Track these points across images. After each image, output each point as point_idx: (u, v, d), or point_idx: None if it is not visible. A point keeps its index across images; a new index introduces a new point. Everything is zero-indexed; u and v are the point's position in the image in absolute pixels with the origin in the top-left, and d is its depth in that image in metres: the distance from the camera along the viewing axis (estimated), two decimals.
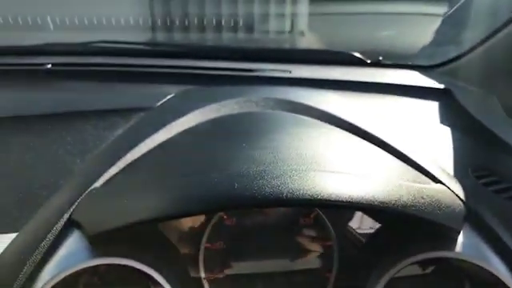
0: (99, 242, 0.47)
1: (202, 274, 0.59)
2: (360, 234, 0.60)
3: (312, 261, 0.60)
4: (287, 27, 1.16)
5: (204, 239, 0.58)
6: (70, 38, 0.93)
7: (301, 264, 0.59)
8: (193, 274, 0.59)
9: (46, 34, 1.00)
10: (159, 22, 1.10)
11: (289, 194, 0.45)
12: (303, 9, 1.18)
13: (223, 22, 1.10)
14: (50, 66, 0.83)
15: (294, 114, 0.63)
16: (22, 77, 0.82)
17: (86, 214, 0.50)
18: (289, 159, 0.51)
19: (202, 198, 0.47)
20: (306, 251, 0.59)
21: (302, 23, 1.16)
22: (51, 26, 1.01)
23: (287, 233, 0.59)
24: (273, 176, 0.47)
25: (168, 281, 0.48)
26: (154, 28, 1.10)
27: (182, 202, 0.47)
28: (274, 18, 1.17)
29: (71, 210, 0.51)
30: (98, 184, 0.53)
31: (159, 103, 0.68)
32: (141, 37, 1.09)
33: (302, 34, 1.14)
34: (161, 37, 1.12)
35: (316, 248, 0.59)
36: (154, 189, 0.50)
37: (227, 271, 0.59)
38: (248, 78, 0.83)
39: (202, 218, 0.58)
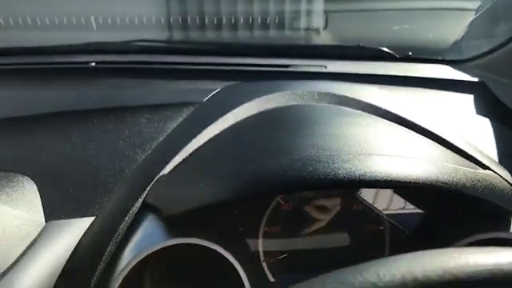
0: (174, 224, 0.51)
1: (262, 257, 0.61)
2: (409, 218, 0.62)
3: (364, 246, 0.62)
4: (319, 24, 1.19)
5: (263, 223, 0.61)
6: (107, 37, 0.98)
7: (354, 249, 0.62)
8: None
9: (85, 33, 1.05)
10: (195, 20, 1.14)
11: (362, 176, 0.48)
12: (335, 6, 1.22)
13: (258, 20, 1.13)
14: (94, 64, 0.87)
15: (339, 106, 0.65)
16: (70, 74, 0.87)
17: (159, 198, 0.54)
18: (351, 145, 0.53)
19: (275, 180, 0.49)
20: (359, 236, 0.62)
21: (334, 20, 1.19)
22: (94, 26, 1.06)
23: (341, 218, 0.62)
24: (343, 160, 0.49)
25: (241, 264, 0.52)
26: (189, 27, 1.14)
27: (253, 184, 0.50)
28: (306, 15, 1.20)
29: (144, 195, 0.55)
30: (165, 172, 0.57)
31: (207, 98, 0.71)
32: (176, 36, 1.14)
33: (332, 30, 1.17)
34: (196, 35, 1.16)
35: (368, 233, 0.62)
36: (221, 174, 0.53)
37: (284, 254, 0.62)
38: (285, 73, 0.86)
39: (261, 203, 0.61)
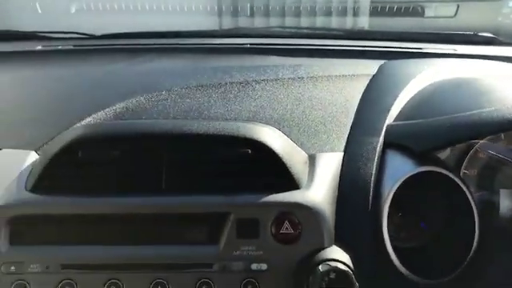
0: (420, 158, 0.63)
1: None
2: None
3: None
4: (451, 13, 1.35)
5: (463, 166, 0.72)
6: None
7: None
8: None
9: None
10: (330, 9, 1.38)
11: None
12: None
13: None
14: (248, 45, 1.01)
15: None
16: (226, 53, 1.01)
17: (403, 138, 0.65)
18: None
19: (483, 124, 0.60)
20: None
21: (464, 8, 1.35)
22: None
23: None
24: None
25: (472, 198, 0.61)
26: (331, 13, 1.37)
27: (470, 128, 0.61)
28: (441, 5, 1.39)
29: (382, 136, 0.66)
30: (390, 120, 0.69)
31: (376, 71, 0.83)
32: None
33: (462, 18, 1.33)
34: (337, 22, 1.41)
35: None
36: (444, 120, 0.63)
37: None
38: (419, 54, 0.96)
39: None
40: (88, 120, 0.71)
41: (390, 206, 0.60)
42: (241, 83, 0.83)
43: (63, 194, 0.58)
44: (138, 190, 0.58)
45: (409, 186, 0.63)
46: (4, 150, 0.67)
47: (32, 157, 0.64)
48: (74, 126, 0.66)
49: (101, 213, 0.57)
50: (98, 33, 1.09)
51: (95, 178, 0.58)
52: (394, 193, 0.61)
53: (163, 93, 0.79)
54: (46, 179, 0.58)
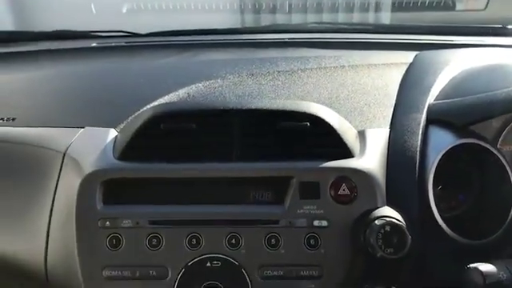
0: (461, 131, 0.71)
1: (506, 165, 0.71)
2: None
3: None
4: (481, 6, 1.41)
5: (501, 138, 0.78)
6: None
7: None
8: None
9: None
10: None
11: None
12: None
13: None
14: (287, 39, 1.10)
15: None
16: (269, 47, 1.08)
17: (448, 114, 0.72)
18: None
19: None
20: None
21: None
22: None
23: None
24: None
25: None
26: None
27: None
28: None
29: (425, 113, 0.73)
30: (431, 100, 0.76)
31: (412, 60, 0.90)
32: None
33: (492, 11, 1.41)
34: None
35: None
36: (483, 97, 0.70)
37: None
38: (450, 45, 1.02)
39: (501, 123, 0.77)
40: (157, 102, 0.80)
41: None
42: (287, 72, 0.91)
43: (148, 161, 0.66)
44: (213, 157, 0.67)
45: (449, 159, 0.70)
46: (87, 128, 0.76)
47: (112, 133, 0.73)
48: (152, 105, 0.75)
49: (181, 177, 0.66)
50: (143, 31, 1.19)
51: (176, 147, 0.67)
52: (436, 166, 0.68)
53: (219, 81, 0.87)
54: (132, 148, 0.67)
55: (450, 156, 0.71)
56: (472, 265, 0.55)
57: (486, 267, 0.53)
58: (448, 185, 0.75)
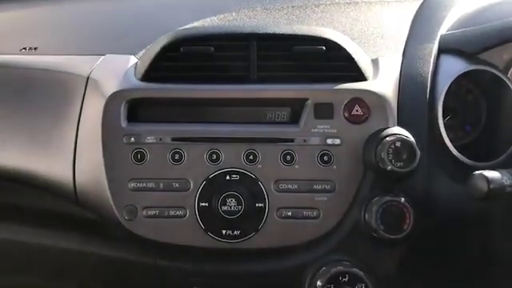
0: (473, 58, 0.73)
1: None
2: None
3: None
4: None
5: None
6: None
7: None
8: None
9: None
10: None
11: None
12: None
13: None
14: None
15: None
16: None
17: (460, 42, 0.74)
18: None
19: None
20: None
21: None
22: None
23: None
24: None
25: None
26: None
27: None
28: None
29: (436, 43, 0.75)
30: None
31: None
32: None
33: None
34: None
35: None
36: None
37: None
38: None
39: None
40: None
41: None
42: (301, 7, 0.92)
43: (169, 82, 0.69)
44: (232, 79, 0.69)
45: (458, 89, 0.73)
46: (108, 55, 0.78)
47: (133, 59, 0.76)
48: (171, 32, 0.77)
49: (201, 97, 0.69)
50: None
51: (195, 69, 0.70)
52: (447, 90, 0.70)
53: (233, 14, 0.89)
54: (153, 70, 0.70)
55: (459, 86, 0.73)
56: (476, 172, 0.58)
57: (490, 173, 0.56)
58: (456, 115, 0.78)
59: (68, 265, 0.75)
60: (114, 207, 0.66)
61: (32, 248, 0.75)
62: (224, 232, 0.66)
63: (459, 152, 0.70)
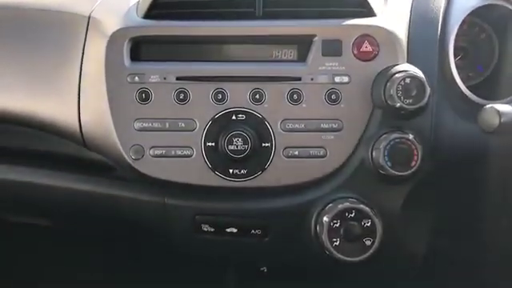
0: None
1: None
2: None
3: None
4: None
5: None
6: None
7: None
8: None
9: None
10: None
11: None
12: None
13: None
14: None
15: None
16: None
17: None
18: None
19: None
20: None
21: None
22: None
23: None
24: None
25: None
26: None
27: None
28: None
29: None
30: None
31: None
32: None
33: None
34: None
35: None
36: None
37: None
38: None
39: None
40: None
41: None
42: None
43: (172, 19, 0.67)
44: (236, 15, 0.67)
45: (471, 28, 0.70)
46: None
47: None
48: None
49: (206, 34, 0.67)
50: None
51: (200, 5, 0.68)
52: (456, 35, 0.68)
53: None
54: (156, 7, 0.68)
55: (471, 25, 0.70)
56: (488, 105, 0.57)
57: (502, 107, 0.55)
58: (468, 55, 0.76)
59: (78, 206, 0.77)
60: (120, 147, 0.66)
61: (42, 190, 0.76)
62: (231, 171, 0.66)
63: (470, 89, 0.68)
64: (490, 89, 0.73)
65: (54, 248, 1.13)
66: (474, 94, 0.69)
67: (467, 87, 0.69)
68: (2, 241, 1.06)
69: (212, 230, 0.70)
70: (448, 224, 0.79)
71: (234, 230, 0.70)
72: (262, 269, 0.90)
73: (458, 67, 0.70)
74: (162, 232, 0.74)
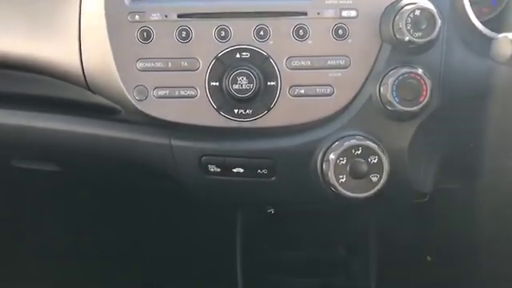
0: None
1: None
2: None
3: None
4: None
5: None
6: None
7: None
8: None
9: None
10: None
11: None
12: None
13: None
14: None
15: None
16: None
17: None
18: None
19: None
20: None
21: None
22: None
23: None
24: None
25: None
26: None
27: None
28: None
29: None
30: None
31: None
32: None
33: None
34: None
35: None
36: None
37: None
38: None
39: None
40: None
41: None
42: None
43: None
44: None
45: None
46: None
47: None
48: None
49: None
50: None
51: None
52: None
53: None
54: None
55: None
56: (501, 35, 0.55)
57: None
58: None
59: (84, 149, 0.77)
60: (123, 88, 0.65)
61: (47, 134, 0.76)
62: (236, 111, 0.65)
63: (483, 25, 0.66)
64: (503, 23, 0.70)
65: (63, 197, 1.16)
66: (487, 28, 0.66)
67: (480, 22, 0.67)
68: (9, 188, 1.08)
69: (218, 170, 0.70)
70: (454, 163, 0.78)
71: (241, 170, 0.70)
72: (269, 210, 0.92)
73: (470, 1, 0.67)
74: (169, 174, 0.74)
